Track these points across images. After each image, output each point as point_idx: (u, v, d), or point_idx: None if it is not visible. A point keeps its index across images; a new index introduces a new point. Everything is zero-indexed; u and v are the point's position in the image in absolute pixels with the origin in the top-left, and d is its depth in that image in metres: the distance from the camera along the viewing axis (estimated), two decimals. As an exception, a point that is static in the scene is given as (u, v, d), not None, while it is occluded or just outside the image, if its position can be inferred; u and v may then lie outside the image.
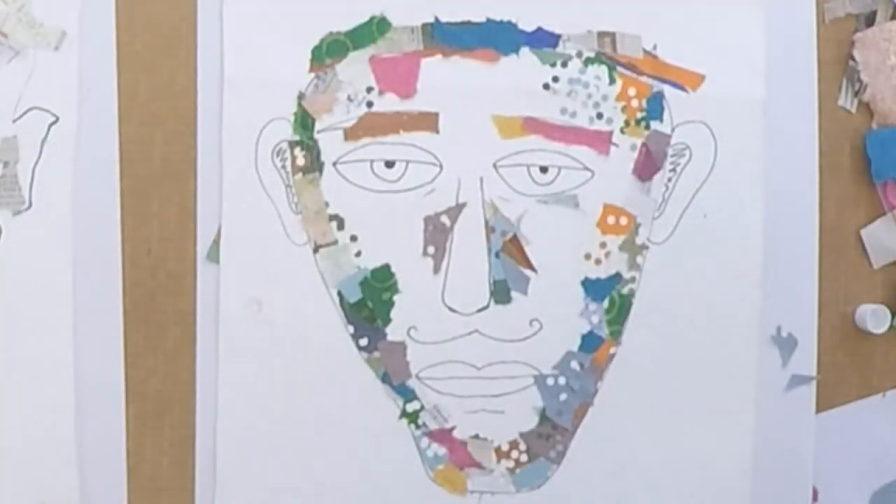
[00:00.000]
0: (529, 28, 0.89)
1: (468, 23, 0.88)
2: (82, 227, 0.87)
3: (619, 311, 0.90)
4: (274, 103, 0.88)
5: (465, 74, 0.88)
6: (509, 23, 0.89)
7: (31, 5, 0.86)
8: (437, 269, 0.88)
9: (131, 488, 0.88)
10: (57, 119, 0.86)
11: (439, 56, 0.88)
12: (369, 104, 0.88)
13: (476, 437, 0.90)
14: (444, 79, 0.88)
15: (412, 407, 0.89)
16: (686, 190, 0.91)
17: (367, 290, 0.88)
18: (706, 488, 0.92)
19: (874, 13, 0.93)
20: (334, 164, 0.88)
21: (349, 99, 0.88)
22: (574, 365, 0.90)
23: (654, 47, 0.90)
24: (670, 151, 0.91)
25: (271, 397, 0.88)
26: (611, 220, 0.90)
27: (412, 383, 0.89)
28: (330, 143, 0.88)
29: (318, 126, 0.88)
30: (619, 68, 0.90)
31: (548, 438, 0.90)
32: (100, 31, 0.87)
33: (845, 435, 0.93)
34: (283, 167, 0.88)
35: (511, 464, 0.90)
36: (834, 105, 0.93)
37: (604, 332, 0.90)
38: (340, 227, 0.88)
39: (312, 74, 0.88)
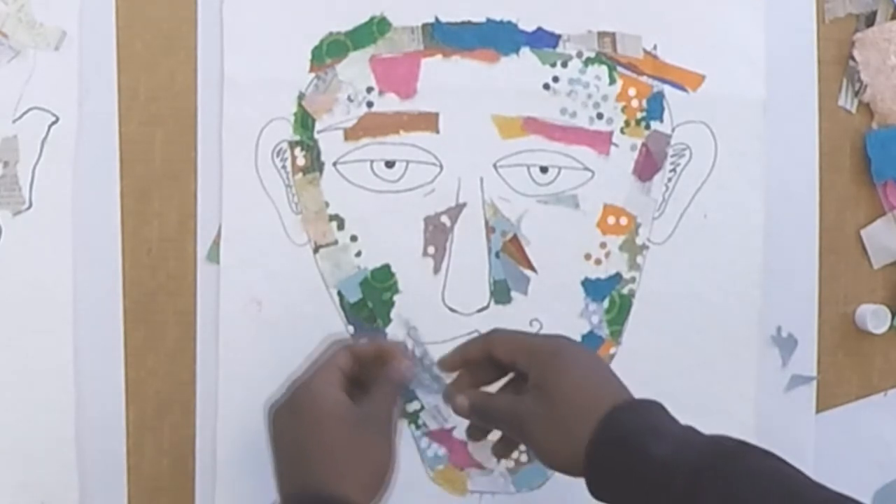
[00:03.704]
0: (529, 28, 0.89)
1: (468, 23, 0.88)
2: (82, 227, 0.87)
3: (619, 312, 0.90)
4: (274, 103, 0.88)
5: (465, 74, 0.88)
6: (509, 23, 0.89)
7: (31, 5, 0.86)
8: (437, 270, 0.88)
9: (131, 488, 0.87)
10: (57, 119, 0.86)
11: (439, 56, 0.88)
12: (369, 104, 0.88)
13: (476, 437, 0.90)
14: (444, 79, 0.88)
15: (412, 407, 0.89)
16: (686, 190, 0.91)
17: (367, 290, 0.88)
18: (706, 488, 0.92)
19: (874, 13, 0.93)
20: (334, 164, 0.88)
21: (349, 99, 0.88)
22: (574, 365, 0.90)
23: (655, 47, 0.90)
24: (670, 151, 0.91)
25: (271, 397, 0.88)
26: (611, 220, 0.90)
27: (412, 384, 0.89)
28: (330, 143, 0.88)
29: (318, 126, 0.88)
30: (620, 68, 0.90)
31: (548, 438, 0.90)
32: (100, 31, 0.87)
33: (846, 434, 0.93)
34: (284, 167, 0.88)
35: (511, 464, 0.90)
36: (834, 105, 0.93)
37: (604, 332, 0.90)
38: (340, 227, 0.88)
39: (313, 74, 0.88)
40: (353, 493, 0.73)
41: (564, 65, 0.89)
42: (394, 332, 0.89)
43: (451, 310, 0.88)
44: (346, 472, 0.74)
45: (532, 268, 0.89)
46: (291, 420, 0.76)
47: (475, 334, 0.88)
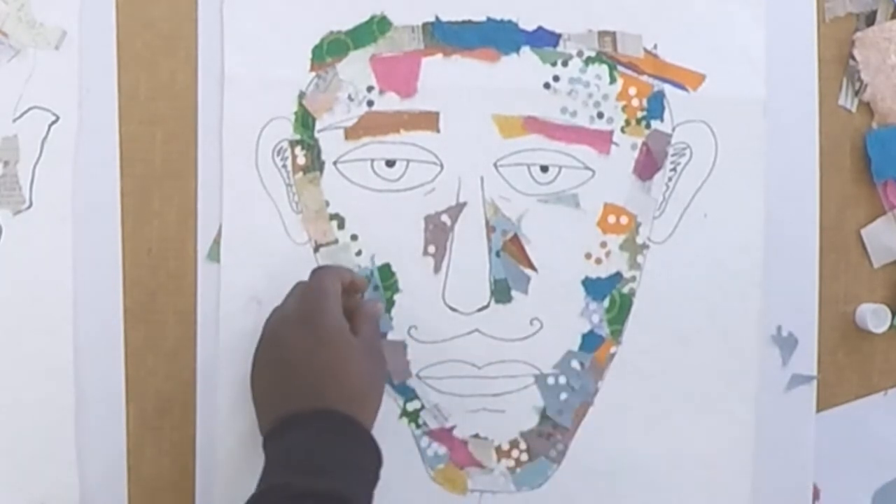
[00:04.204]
0: (530, 27, 0.89)
1: (469, 22, 0.88)
2: (82, 227, 0.87)
3: (620, 311, 0.90)
4: (274, 102, 0.88)
5: (465, 74, 0.88)
6: (510, 22, 0.89)
7: (31, 5, 0.86)
8: (437, 269, 0.88)
9: (131, 488, 0.87)
10: (57, 119, 0.86)
11: (440, 55, 0.88)
12: (370, 103, 0.88)
13: (476, 436, 0.90)
14: (444, 78, 0.88)
15: (412, 406, 0.89)
16: (686, 189, 0.91)
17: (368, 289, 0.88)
18: (706, 488, 0.92)
19: (874, 12, 0.93)
20: (335, 163, 0.88)
21: (350, 98, 0.88)
22: (574, 364, 0.90)
23: (655, 47, 0.90)
24: (671, 151, 0.91)
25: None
26: (611, 219, 0.90)
27: (412, 382, 0.89)
28: (330, 143, 0.88)
29: (318, 125, 0.88)
30: (620, 67, 0.90)
31: (548, 438, 0.90)
32: (100, 31, 0.87)
33: (846, 434, 0.93)
34: (284, 166, 0.88)
35: (511, 463, 0.90)
36: (834, 105, 0.93)
37: (604, 331, 0.90)
38: (341, 226, 0.88)
39: (313, 73, 0.88)
40: (362, 418, 0.78)
41: (565, 64, 0.89)
42: (394, 331, 0.89)
43: (452, 309, 0.88)
44: (360, 398, 0.79)
45: (532, 267, 0.89)
46: (308, 343, 0.79)
47: (475, 334, 0.88)
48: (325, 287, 0.81)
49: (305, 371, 0.79)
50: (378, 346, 0.85)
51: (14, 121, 0.86)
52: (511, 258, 0.89)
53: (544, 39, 0.89)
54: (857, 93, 0.93)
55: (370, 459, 0.78)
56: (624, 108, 0.90)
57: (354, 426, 0.77)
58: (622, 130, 0.90)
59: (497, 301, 0.89)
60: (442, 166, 0.88)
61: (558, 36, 0.89)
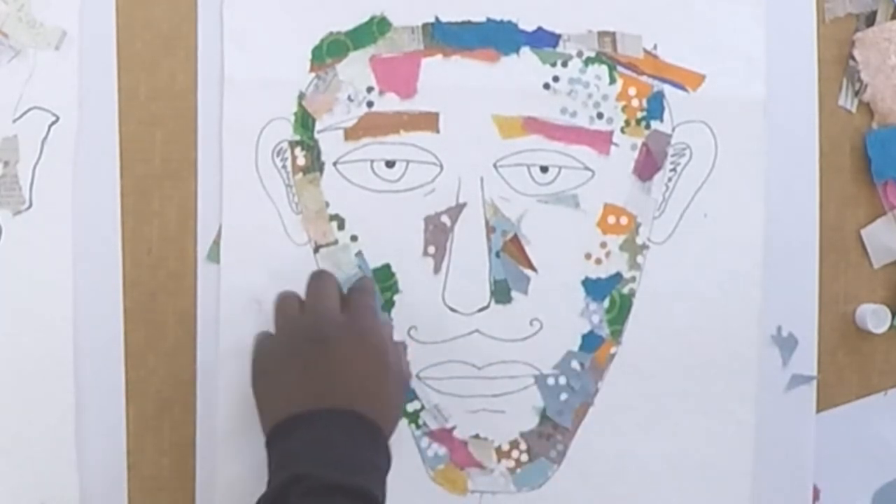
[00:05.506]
0: (530, 28, 0.89)
1: (468, 22, 0.88)
2: (82, 227, 0.87)
3: (620, 311, 0.90)
4: (274, 103, 0.88)
5: (465, 74, 0.88)
6: (510, 22, 0.89)
7: (31, 5, 0.86)
8: (437, 269, 0.88)
9: (131, 488, 0.87)
10: (57, 119, 0.86)
11: (440, 56, 0.88)
12: (370, 104, 0.88)
13: (476, 436, 0.90)
14: (444, 79, 0.88)
15: (412, 407, 0.89)
16: (686, 190, 0.91)
17: (368, 289, 0.88)
18: (706, 488, 0.92)
19: (874, 13, 0.93)
20: (335, 163, 0.88)
21: (349, 99, 0.88)
22: (574, 364, 0.90)
23: (655, 47, 0.90)
24: (671, 151, 0.91)
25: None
26: (611, 219, 0.90)
27: (413, 383, 0.89)
28: (330, 143, 0.88)
29: (318, 126, 0.88)
30: (620, 68, 0.90)
31: (548, 438, 0.90)
32: (100, 31, 0.87)
33: (846, 434, 0.93)
34: (284, 167, 0.88)
35: (511, 463, 0.90)
36: (834, 105, 0.93)
37: (604, 331, 0.90)
38: (341, 227, 0.88)
39: (313, 74, 0.88)
40: (384, 427, 0.78)
41: (565, 64, 0.89)
42: (394, 331, 0.89)
43: (452, 309, 0.88)
44: (389, 409, 0.80)
45: (532, 267, 0.89)
46: (357, 350, 0.79)
47: (475, 334, 0.88)
48: (371, 303, 0.84)
49: (347, 374, 0.78)
50: (406, 362, 0.87)
51: (14, 121, 0.86)
52: (511, 258, 0.89)
53: (544, 40, 0.89)
54: (857, 93, 0.93)
55: (387, 466, 0.78)
56: (623, 109, 0.90)
57: (379, 431, 0.77)
58: (622, 131, 0.90)
59: (497, 301, 0.89)
60: (442, 167, 0.88)
61: (558, 36, 0.89)
